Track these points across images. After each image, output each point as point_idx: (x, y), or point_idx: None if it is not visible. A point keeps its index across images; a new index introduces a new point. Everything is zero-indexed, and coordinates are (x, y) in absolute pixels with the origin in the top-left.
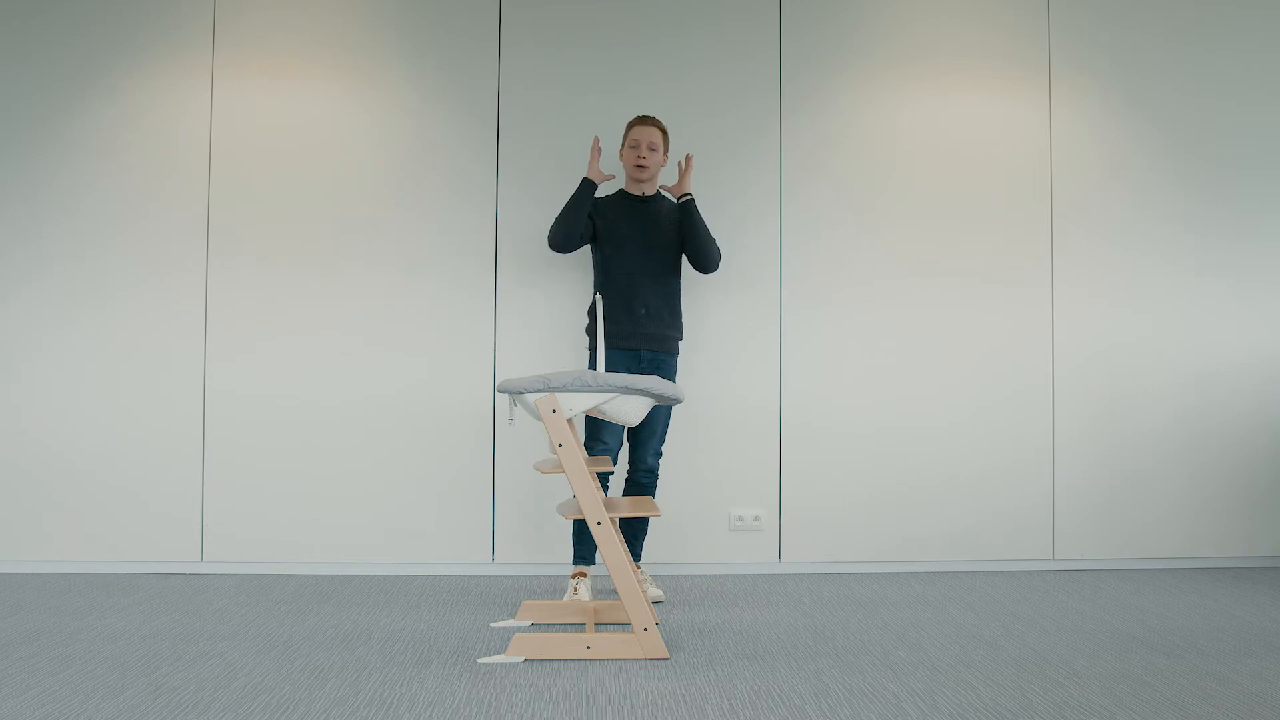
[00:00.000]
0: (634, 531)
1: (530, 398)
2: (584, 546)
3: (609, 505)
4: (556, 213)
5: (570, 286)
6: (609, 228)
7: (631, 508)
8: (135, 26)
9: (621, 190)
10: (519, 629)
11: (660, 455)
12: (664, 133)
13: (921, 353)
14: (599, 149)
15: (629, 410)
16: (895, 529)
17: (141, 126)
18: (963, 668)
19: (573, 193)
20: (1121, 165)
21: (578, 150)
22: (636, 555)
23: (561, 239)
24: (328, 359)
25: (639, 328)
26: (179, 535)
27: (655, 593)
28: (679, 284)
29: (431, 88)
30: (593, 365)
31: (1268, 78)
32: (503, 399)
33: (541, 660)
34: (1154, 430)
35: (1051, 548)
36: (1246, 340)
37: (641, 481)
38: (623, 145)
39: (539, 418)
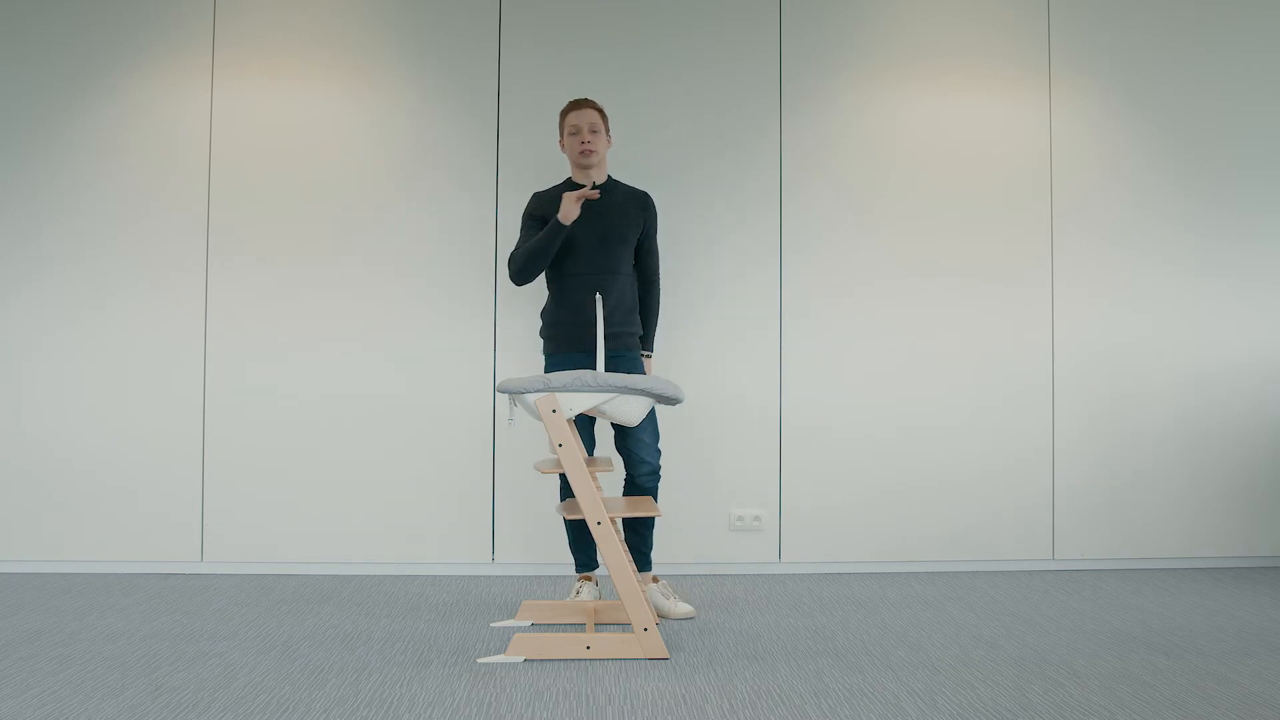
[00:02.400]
0: (638, 541)
1: (530, 398)
2: (583, 554)
3: (609, 505)
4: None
5: None
6: None
7: (632, 507)
8: (135, 26)
9: (569, 180)
10: (519, 629)
11: (658, 454)
12: (602, 114)
13: (921, 353)
14: (589, 195)
15: (629, 410)
16: (895, 529)
17: (141, 126)
18: (963, 668)
19: (543, 233)
20: (1121, 165)
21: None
22: (643, 566)
23: (525, 277)
24: (328, 359)
25: (592, 329)
26: (179, 535)
27: (684, 608)
28: (634, 279)
29: (431, 88)
30: (548, 371)
31: (1268, 78)
32: (503, 399)
33: (541, 660)
34: (1154, 430)
35: (1051, 548)
36: (1246, 340)
37: (643, 485)
38: (561, 134)
39: (539, 418)
